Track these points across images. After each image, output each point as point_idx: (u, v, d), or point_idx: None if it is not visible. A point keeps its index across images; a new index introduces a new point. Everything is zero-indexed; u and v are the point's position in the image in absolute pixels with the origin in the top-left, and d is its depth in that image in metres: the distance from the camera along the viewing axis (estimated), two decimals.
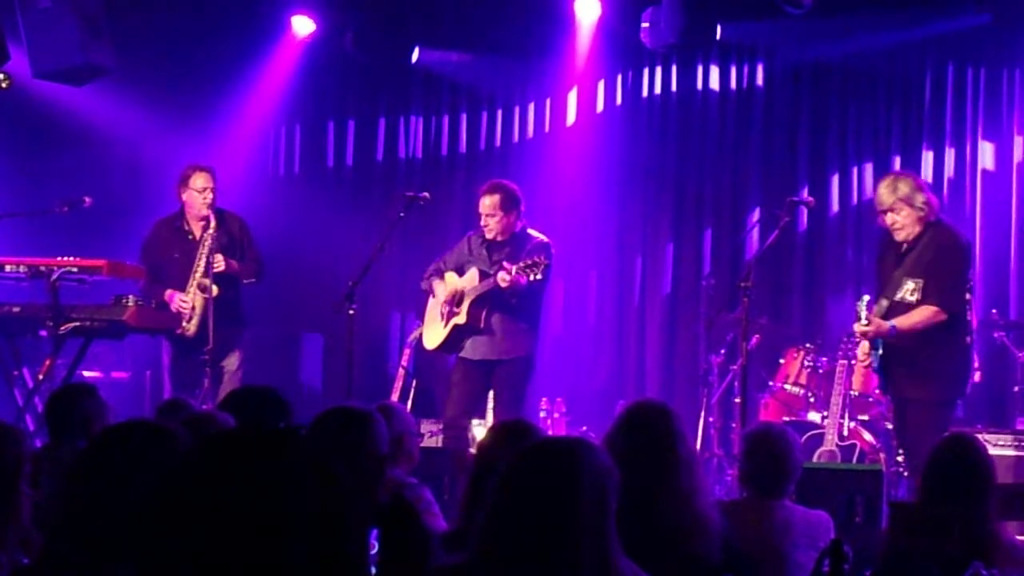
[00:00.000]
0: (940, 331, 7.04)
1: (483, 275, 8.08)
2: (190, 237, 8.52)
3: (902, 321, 7.00)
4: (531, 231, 8.26)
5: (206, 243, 8.31)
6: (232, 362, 8.53)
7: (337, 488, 1.88)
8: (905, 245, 7.16)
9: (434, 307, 8.32)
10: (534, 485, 2.96)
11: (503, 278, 7.79)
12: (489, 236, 8.14)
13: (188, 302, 8.30)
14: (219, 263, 8.26)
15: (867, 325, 6.98)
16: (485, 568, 2.97)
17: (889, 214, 7.12)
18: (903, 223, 7.10)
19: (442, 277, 8.29)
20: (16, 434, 3.96)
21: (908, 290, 7.06)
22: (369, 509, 3.68)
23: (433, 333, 8.31)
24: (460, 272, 8.26)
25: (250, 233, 8.75)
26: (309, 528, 1.83)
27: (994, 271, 10.05)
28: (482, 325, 8.07)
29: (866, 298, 7.14)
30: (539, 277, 7.77)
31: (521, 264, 7.74)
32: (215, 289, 8.20)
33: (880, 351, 7.10)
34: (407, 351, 9.95)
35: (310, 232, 11.25)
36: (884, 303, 7.14)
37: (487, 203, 8.13)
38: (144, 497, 2.78)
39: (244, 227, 8.74)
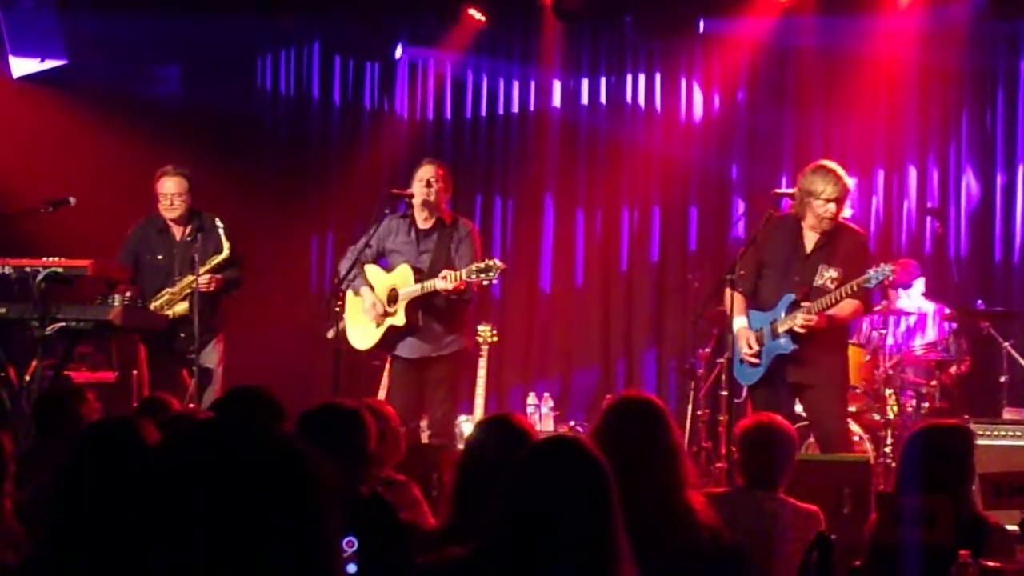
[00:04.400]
0: (847, 326, 7.58)
1: (417, 272, 7.94)
2: (172, 239, 8.45)
3: (836, 312, 7.12)
4: (460, 218, 8.19)
5: (198, 267, 8.19)
6: (212, 359, 8.45)
7: (314, 485, 1.86)
8: (816, 235, 7.23)
9: (359, 303, 8.12)
10: (555, 482, 3.00)
11: (443, 287, 7.72)
12: (425, 199, 7.93)
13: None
14: (211, 284, 8.21)
15: (813, 317, 7.03)
16: (490, 561, 3.00)
17: (831, 204, 7.13)
18: (834, 215, 7.18)
19: (363, 275, 8.08)
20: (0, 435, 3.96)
21: (829, 278, 7.13)
22: (348, 507, 3.68)
23: (364, 333, 8.13)
24: (382, 257, 8.13)
25: (228, 232, 8.53)
26: (282, 525, 1.81)
27: (979, 261, 10.09)
28: (420, 324, 7.97)
29: (791, 295, 7.18)
30: (494, 281, 7.76)
31: (474, 267, 7.64)
32: (183, 307, 8.15)
33: (782, 341, 7.14)
34: None
35: (298, 230, 11.24)
36: (800, 286, 7.22)
37: (431, 170, 7.99)
38: (123, 496, 2.78)
39: (229, 229, 8.49)
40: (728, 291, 7.35)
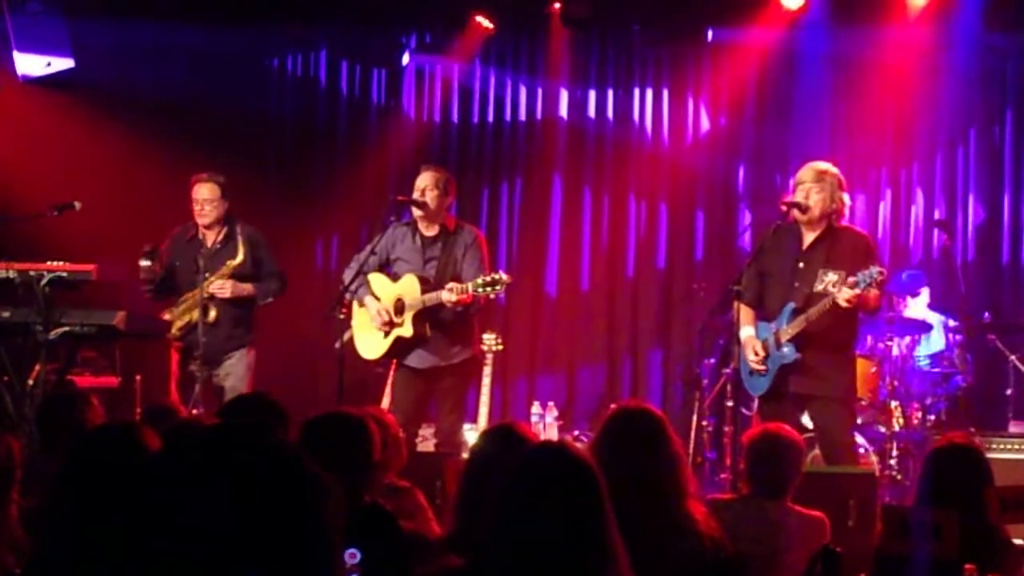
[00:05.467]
0: (853, 335, 7.41)
1: (423, 282, 7.88)
2: (202, 245, 8.42)
3: (863, 293, 6.96)
4: (464, 224, 8.16)
5: (220, 269, 8.21)
6: (229, 379, 8.41)
7: (316, 493, 1.85)
8: (811, 237, 7.19)
9: (365, 314, 8.09)
10: (542, 487, 2.99)
11: (448, 299, 7.67)
12: (421, 197, 7.89)
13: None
14: (225, 289, 8.20)
15: (849, 298, 6.88)
16: (486, 570, 2.99)
17: (806, 185, 7.11)
18: (817, 200, 7.09)
19: (367, 285, 8.04)
20: (9, 441, 3.95)
21: (830, 282, 7.00)
22: (348, 516, 3.67)
23: (372, 343, 8.08)
24: (388, 265, 8.10)
25: (266, 246, 8.47)
26: (283, 533, 1.81)
27: (986, 274, 10.08)
28: (428, 335, 7.91)
29: (792, 304, 7.12)
30: (500, 294, 7.72)
31: (480, 281, 7.59)
32: (213, 314, 8.15)
33: (786, 350, 7.07)
34: None
35: (303, 235, 11.23)
36: (800, 292, 7.15)
37: (426, 177, 7.96)
38: (124, 501, 2.76)
39: (259, 241, 8.46)
40: (736, 302, 7.34)
